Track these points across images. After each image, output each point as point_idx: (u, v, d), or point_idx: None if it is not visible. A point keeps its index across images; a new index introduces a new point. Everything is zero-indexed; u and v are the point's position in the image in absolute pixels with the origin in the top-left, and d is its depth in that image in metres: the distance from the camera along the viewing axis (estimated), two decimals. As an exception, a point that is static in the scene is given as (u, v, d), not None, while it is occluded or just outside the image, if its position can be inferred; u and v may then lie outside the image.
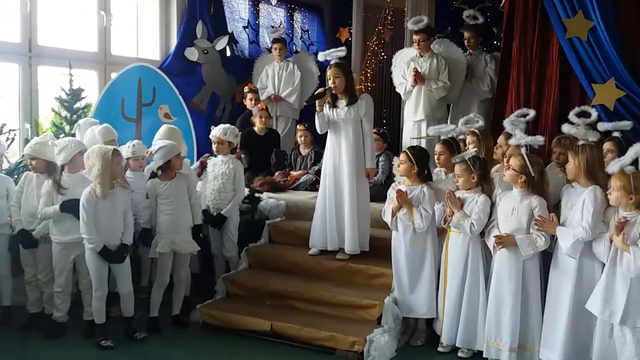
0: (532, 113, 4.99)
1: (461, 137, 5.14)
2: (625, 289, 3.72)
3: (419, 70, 6.49)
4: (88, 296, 4.73)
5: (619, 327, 3.77)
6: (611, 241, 3.81)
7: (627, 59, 5.66)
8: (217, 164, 5.55)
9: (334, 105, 5.23)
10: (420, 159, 4.72)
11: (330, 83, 5.19)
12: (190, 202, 4.95)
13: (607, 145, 4.53)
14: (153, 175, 4.99)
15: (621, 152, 4.23)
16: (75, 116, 5.87)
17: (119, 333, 4.68)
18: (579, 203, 3.98)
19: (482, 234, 4.41)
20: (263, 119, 7.05)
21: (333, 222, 5.24)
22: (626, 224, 3.71)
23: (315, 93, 5.32)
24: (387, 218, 4.74)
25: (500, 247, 4.18)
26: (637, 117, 5.38)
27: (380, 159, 6.44)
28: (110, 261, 4.53)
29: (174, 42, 7.57)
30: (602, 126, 4.49)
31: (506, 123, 4.48)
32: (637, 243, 3.69)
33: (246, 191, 5.80)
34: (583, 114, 4.53)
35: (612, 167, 3.79)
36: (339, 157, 5.22)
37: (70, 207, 4.52)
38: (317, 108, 5.23)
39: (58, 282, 4.68)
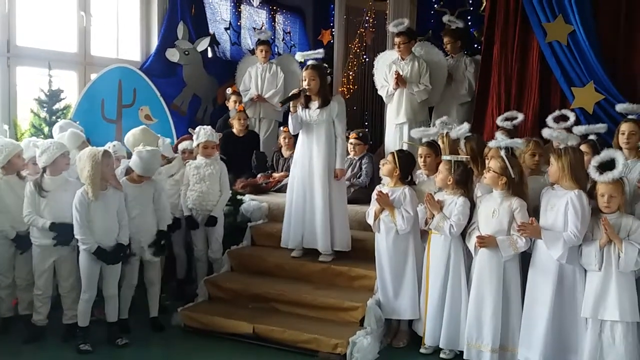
0: (520, 117, 5.04)
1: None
2: (622, 286, 3.84)
3: (401, 73, 6.52)
4: (68, 299, 4.70)
5: (610, 326, 3.86)
6: (601, 247, 3.89)
7: (606, 63, 5.74)
8: (202, 167, 5.53)
9: (306, 106, 5.25)
10: (406, 164, 4.77)
11: (305, 84, 5.21)
12: (155, 208, 4.88)
13: (582, 148, 4.57)
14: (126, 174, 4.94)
15: (596, 154, 4.23)
16: (54, 117, 5.80)
17: (100, 338, 4.63)
18: (560, 205, 4.01)
19: (464, 235, 4.44)
20: (242, 121, 7.03)
21: (303, 221, 5.26)
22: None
23: (290, 94, 5.34)
24: (370, 220, 4.78)
25: (481, 247, 4.21)
26: (615, 120, 5.44)
27: (364, 161, 6.46)
28: (106, 262, 4.50)
29: (154, 43, 7.50)
30: (578, 129, 4.55)
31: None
32: (627, 239, 3.83)
33: (228, 193, 5.79)
34: (561, 118, 4.58)
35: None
36: (310, 158, 5.25)
37: (59, 231, 4.50)
38: (291, 109, 5.26)
39: (38, 285, 4.64)
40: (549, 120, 4.69)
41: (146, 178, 4.82)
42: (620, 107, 5.09)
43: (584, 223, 3.94)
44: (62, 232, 4.52)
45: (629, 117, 4.93)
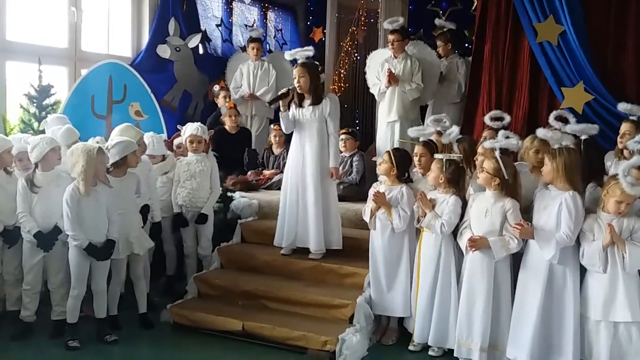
0: (507, 118, 5.06)
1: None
2: (630, 286, 3.88)
3: (393, 71, 6.53)
4: (57, 295, 4.67)
5: (624, 327, 3.89)
6: (604, 249, 3.90)
7: (596, 63, 5.77)
8: (192, 163, 5.53)
9: (299, 104, 5.24)
10: (402, 162, 4.78)
11: (295, 82, 5.20)
12: (138, 202, 4.88)
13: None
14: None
15: (580, 155, 4.27)
16: (44, 113, 5.77)
17: (89, 335, 4.61)
18: (553, 206, 4.03)
19: (455, 234, 4.45)
20: (233, 118, 7.04)
21: (297, 220, 5.26)
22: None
23: (279, 93, 5.33)
24: (366, 217, 4.79)
25: (473, 250, 4.22)
26: (605, 121, 5.50)
27: (355, 158, 6.49)
28: (96, 258, 4.49)
29: (145, 39, 7.48)
30: (571, 128, 4.56)
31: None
32: (629, 240, 3.87)
33: (218, 189, 5.78)
34: (561, 119, 4.59)
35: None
36: (303, 156, 5.24)
37: (41, 241, 4.51)
38: (282, 108, 5.25)
39: (27, 280, 4.62)
40: (551, 119, 4.71)
41: (128, 168, 4.77)
42: (621, 107, 5.09)
43: (577, 224, 3.96)
44: (46, 240, 4.53)
45: (631, 117, 4.96)
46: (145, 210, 4.99)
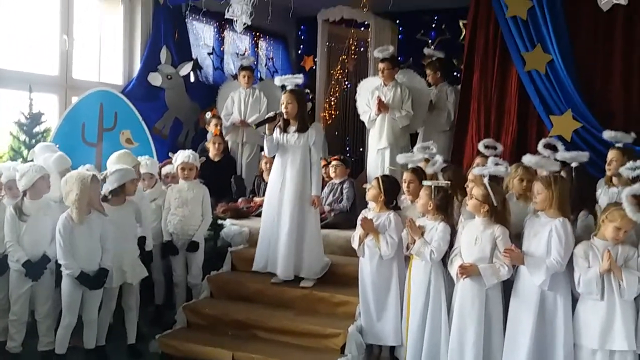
0: (499, 148, 5.10)
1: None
2: (627, 314, 3.87)
3: (383, 99, 6.57)
4: (44, 326, 4.62)
5: (620, 355, 3.87)
6: (601, 276, 3.90)
7: (584, 92, 5.83)
8: (184, 190, 5.52)
9: (284, 130, 5.28)
10: (390, 189, 4.79)
11: (282, 108, 5.25)
12: (139, 232, 4.89)
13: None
14: (104, 199, 4.89)
15: (570, 182, 4.30)
16: (34, 140, 5.75)
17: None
18: (543, 232, 4.03)
19: (445, 261, 4.44)
20: (216, 145, 7.05)
21: (269, 244, 5.29)
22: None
23: (266, 117, 5.37)
24: (355, 244, 4.78)
25: (464, 277, 4.21)
26: (593, 148, 5.53)
27: (345, 185, 6.51)
28: (89, 287, 4.44)
29: (137, 67, 7.51)
30: (562, 155, 4.58)
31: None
32: (624, 267, 3.87)
33: (208, 217, 5.76)
34: (550, 147, 4.63)
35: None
36: (282, 182, 5.28)
37: (30, 270, 4.48)
38: (267, 132, 5.28)
39: (14, 310, 4.56)
40: (540, 147, 4.76)
41: (126, 197, 4.77)
42: (607, 135, 5.17)
43: (568, 250, 3.97)
44: (35, 269, 4.49)
45: (617, 144, 5.00)
46: (142, 241, 4.97)
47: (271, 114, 5.38)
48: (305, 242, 5.28)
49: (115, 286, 4.72)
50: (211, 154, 7.04)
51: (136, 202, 4.93)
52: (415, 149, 5.27)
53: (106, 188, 4.82)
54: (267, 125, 5.29)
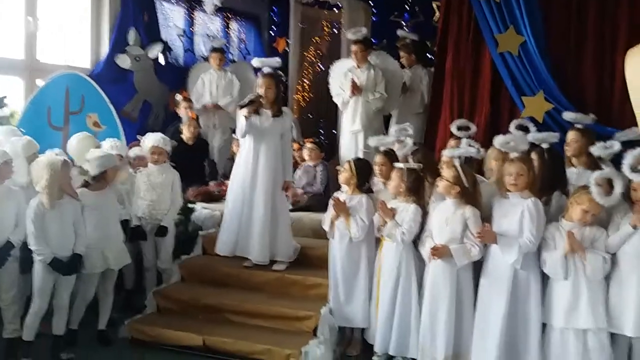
0: (473, 128, 5.08)
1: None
2: (594, 292, 3.90)
3: (357, 81, 6.52)
4: (9, 313, 4.50)
5: (595, 333, 3.89)
6: (565, 256, 3.92)
7: (556, 73, 5.84)
8: (153, 174, 5.42)
9: (257, 112, 5.19)
10: (362, 171, 4.77)
11: (261, 91, 5.15)
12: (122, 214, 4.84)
13: (532, 155, 4.62)
14: (85, 184, 4.79)
15: (543, 163, 4.34)
16: (-1, 125, 5.58)
17: (43, 352, 4.44)
18: (514, 213, 4.04)
19: (416, 243, 4.42)
20: (192, 129, 6.94)
21: (239, 228, 5.23)
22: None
23: (249, 100, 5.25)
24: (326, 226, 4.77)
25: (435, 258, 4.20)
26: (564, 129, 5.52)
27: (318, 168, 6.48)
28: (62, 273, 4.36)
29: (105, 49, 7.32)
30: (534, 136, 4.59)
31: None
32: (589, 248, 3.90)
33: (179, 201, 5.67)
34: (521, 128, 4.64)
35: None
36: (255, 167, 5.21)
37: None
38: (246, 114, 5.17)
39: (-23, 298, 4.43)
40: (512, 128, 4.75)
41: (108, 183, 4.71)
42: (567, 116, 5.22)
43: (540, 230, 3.98)
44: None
45: (576, 125, 5.03)
46: (124, 225, 4.91)
47: (252, 96, 5.26)
48: (279, 227, 5.24)
49: (97, 272, 4.64)
50: (185, 137, 6.92)
51: (118, 187, 4.88)
52: (391, 131, 5.23)
53: (87, 174, 4.73)
54: (249, 107, 5.18)
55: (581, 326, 3.91)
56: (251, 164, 5.22)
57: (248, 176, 5.22)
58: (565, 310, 3.95)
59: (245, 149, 5.31)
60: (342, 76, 6.75)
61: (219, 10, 8.49)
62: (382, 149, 4.98)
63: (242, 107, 5.24)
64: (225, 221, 5.33)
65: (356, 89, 6.49)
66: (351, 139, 6.66)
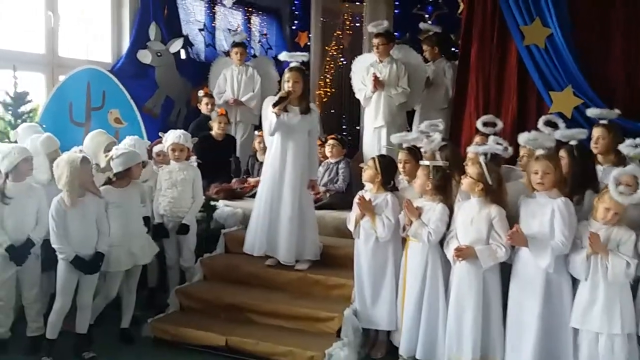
0: (500, 124, 4.96)
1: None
2: (611, 297, 3.76)
3: (379, 75, 6.42)
4: (32, 311, 4.52)
5: (607, 337, 3.77)
6: (588, 257, 3.80)
7: (584, 66, 5.68)
8: (174, 171, 5.38)
9: (285, 109, 5.10)
10: (387, 169, 4.65)
11: (289, 86, 5.06)
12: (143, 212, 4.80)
13: (560, 153, 4.49)
14: (108, 181, 4.77)
15: (572, 161, 4.22)
16: (19, 121, 5.57)
17: (65, 351, 4.43)
18: (544, 213, 3.92)
19: (442, 243, 4.33)
20: (222, 125, 6.89)
21: (268, 227, 5.15)
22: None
23: (279, 97, 5.13)
24: (351, 225, 4.66)
25: (460, 260, 4.10)
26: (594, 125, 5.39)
27: (340, 165, 6.39)
28: (84, 271, 4.34)
29: (126, 44, 7.30)
30: (562, 134, 4.45)
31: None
32: (614, 250, 3.76)
33: (201, 198, 5.63)
34: (550, 124, 4.50)
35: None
36: (283, 164, 5.12)
37: (13, 254, 4.34)
38: (277, 111, 5.06)
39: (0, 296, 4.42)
40: (540, 124, 4.61)
41: (132, 179, 4.70)
42: (590, 112, 5.07)
43: (572, 230, 3.86)
44: (18, 253, 4.36)
45: (601, 121, 4.89)
46: (145, 222, 4.89)
47: (283, 93, 5.13)
48: (305, 225, 5.17)
49: (123, 270, 4.63)
50: (214, 133, 6.88)
51: (141, 184, 4.87)
52: (423, 126, 5.11)
53: (100, 169, 4.76)
54: (278, 105, 5.06)
55: (595, 329, 3.80)
56: (279, 161, 5.13)
57: (276, 174, 5.13)
58: (581, 311, 3.84)
59: (273, 146, 5.21)
60: (364, 71, 6.66)
61: (240, 4, 8.44)
62: (404, 145, 4.87)
63: (274, 105, 5.12)
64: (253, 220, 5.25)
65: (378, 84, 6.39)
66: (374, 135, 6.57)
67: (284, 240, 5.11)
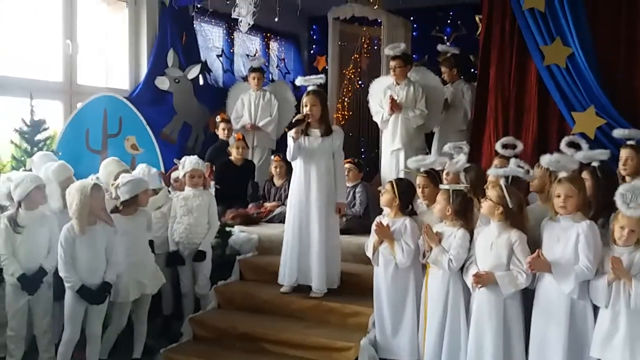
0: (520, 146, 4.83)
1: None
2: (634, 325, 3.58)
3: (396, 98, 6.34)
4: (44, 341, 4.47)
5: None
6: (609, 284, 3.63)
7: (606, 86, 5.55)
8: (189, 198, 5.32)
9: (306, 133, 5.03)
10: (405, 192, 4.52)
11: (306, 110, 5.00)
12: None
13: (582, 175, 4.34)
14: (115, 209, 4.73)
15: (596, 182, 4.09)
16: (36, 149, 5.59)
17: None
18: (568, 237, 3.78)
19: (462, 269, 4.18)
20: (240, 150, 6.86)
21: (299, 256, 5.01)
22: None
23: (294, 120, 5.08)
24: (369, 252, 4.53)
25: (479, 286, 3.95)
26: (618, 145, 5.23)
27: (357, 189, 6.27)
28: (89, 301, 4.28)
29: (144, 71, 7.34)
30: (585, 155, 4.30)
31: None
32: (638, 276, 3.58)
33: (216, 224, 5.57)
34: (572, 145, 4.36)
35: None
36: (308, 189, 5.00)
37: (25, 283, 4.31)
38: (294, 135, 5.00)
39: (11, 326, 4.39)
40: (563, 145, 4.48)
41: (139, 207, 4.66)
42: (616, 133, 4.94)
43: (597, 255, 3.70)
44: (31, 282, 4.32)
45: (628, 142, 4.75)
46: (150, 245, 4.85)
47: (300, 116, 5.07)
48: (333, 252, 5.05)
49: (131, 300, 4.57)
50: (233, 158, 6.85)
51: (148, 211, 4.82)
52: (446, 147, 4.99)
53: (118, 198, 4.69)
54: (295, 129, 4.99)
55: (611, 359, 3.61)
56: (303, 187, 5.02)
57: (303, 200, 5.02)
58: (601, 340, 3.65)
59: (297, 172, 5.11)
60: (381, 93, 6.60)
61: (258, 30, 8.45)
62: (422, 169, 4.75)
63: (289, 128, 5.07)
64: (285, 249, 5.10)
65: (395, 107, 6.32)
66: (391, 158, 6.48)
67: (316, 268, 4.97)
